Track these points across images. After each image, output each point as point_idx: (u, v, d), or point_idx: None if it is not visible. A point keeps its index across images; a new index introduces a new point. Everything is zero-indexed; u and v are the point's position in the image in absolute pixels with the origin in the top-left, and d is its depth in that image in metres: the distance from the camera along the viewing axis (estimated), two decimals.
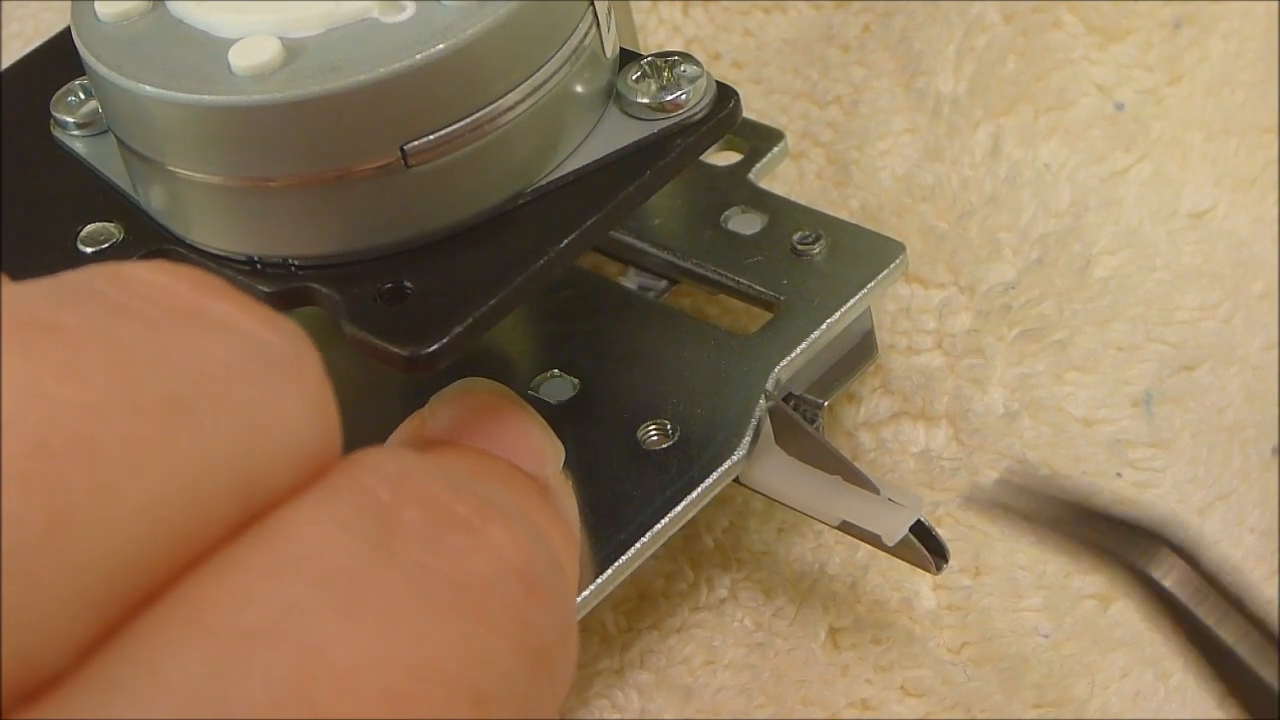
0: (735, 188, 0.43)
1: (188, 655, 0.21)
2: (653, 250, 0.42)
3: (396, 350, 0.32)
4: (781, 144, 0.44)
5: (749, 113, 0.37)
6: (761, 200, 0.42)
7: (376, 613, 0.22)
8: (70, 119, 0.37)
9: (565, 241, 0.33)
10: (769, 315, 0.40)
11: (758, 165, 0.43)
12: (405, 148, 0.33)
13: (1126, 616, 0.39)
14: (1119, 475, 0.41)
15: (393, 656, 0.22)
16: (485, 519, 0.25)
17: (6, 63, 0.41)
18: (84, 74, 0.36)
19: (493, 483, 0.30)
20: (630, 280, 0.43)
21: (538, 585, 0.25)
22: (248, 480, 0.23)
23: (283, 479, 0.23)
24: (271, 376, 0.24)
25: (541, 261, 0.33)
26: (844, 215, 0.44)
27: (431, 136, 0.33)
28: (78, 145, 0.37)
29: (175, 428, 0.22)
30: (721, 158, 0.43)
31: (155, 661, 0.21)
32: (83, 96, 0.38)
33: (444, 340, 0.32)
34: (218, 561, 0.22)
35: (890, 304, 0.44)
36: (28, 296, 0.23)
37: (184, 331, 0.23)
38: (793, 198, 0.43)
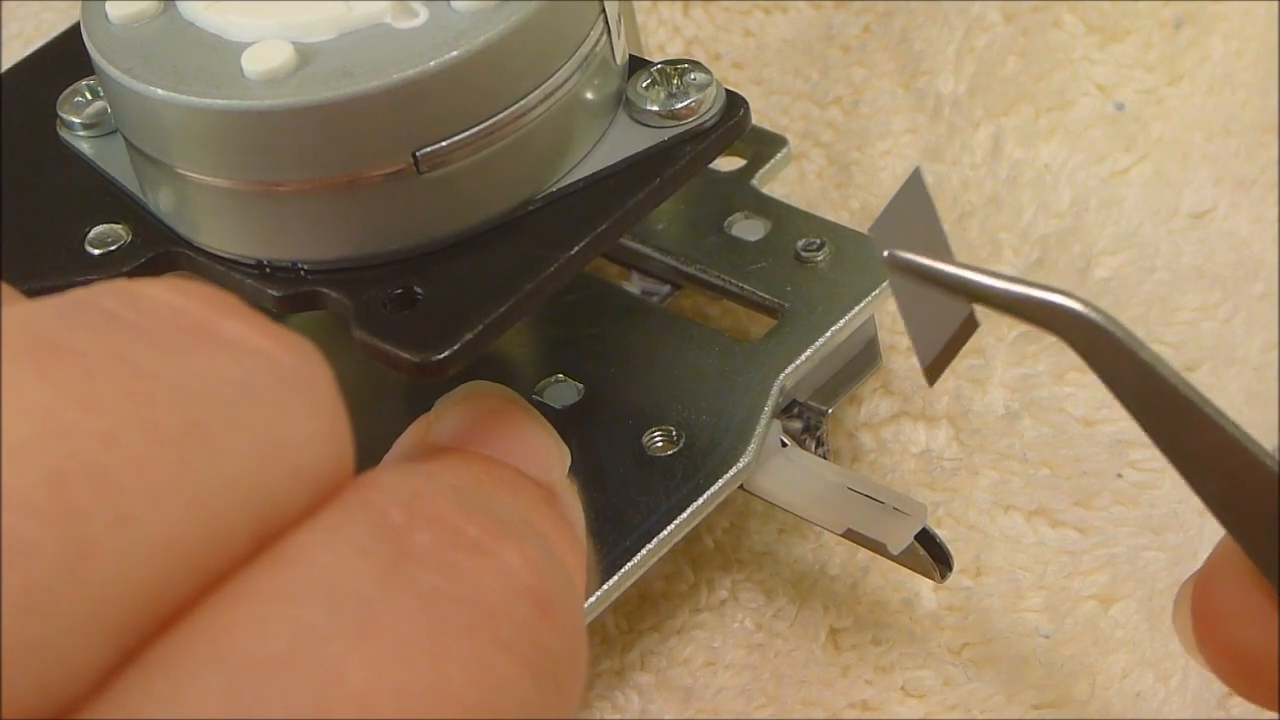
0: (739, 193, 0.42)
1: (206, 683, 0.21)
2: (656, 255, 0.42)
3: (407, 356, 0.32)
4: (785, 150, 0.43)
5: None
6: (765, 206, 0.42)
7: (391, 637, 0.22)
8: (77, 119, 0.37)
9: (576, 248, 0.33)
10: (770, 320, 0.40)
11: (761, 171, 0.43)
12: (417, 154, 0.32)
13: (1127, 617, 0.39)
14: (1119, 475, 0.41)
15: (408, 681, 0.22)
16: (497, 539, 0.24)
17: (7, 63, 0.41)
18: (88, 74, 0.36)
19: (500, 493, 0.30)
20: (634, 285, 0.43)
21: (550, 605, 0.24)
22: (263, 504, 0.23)
23: (297, 500, 0.23)
24: (286, 397, 0.23)
25: (552, 268, 0.33)
26: (844, 216, 0.44)
27: (443, 143, 0.33)
28: (84, 146, 0.37)
29: (193, 454, 0.22)
30: (725, 163, 0.43)
31: (173, 690, 0.21)
32: (89, 97, 0.37)
33: (455, 346, 0.32)
34: (233, 587, 0.22)
35: (891, 304, 0.44)
36: (40, 316, 0.22)
37: (198, 353, 0.23)
38: (793, 199, 0.43)
